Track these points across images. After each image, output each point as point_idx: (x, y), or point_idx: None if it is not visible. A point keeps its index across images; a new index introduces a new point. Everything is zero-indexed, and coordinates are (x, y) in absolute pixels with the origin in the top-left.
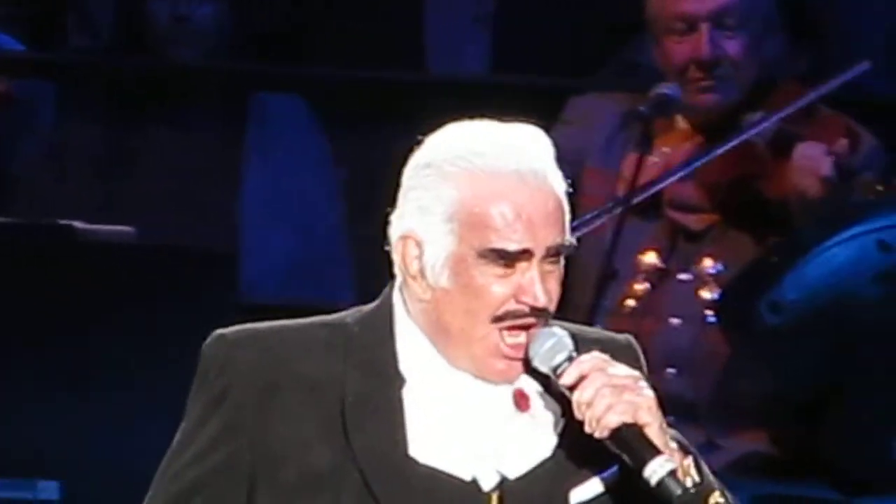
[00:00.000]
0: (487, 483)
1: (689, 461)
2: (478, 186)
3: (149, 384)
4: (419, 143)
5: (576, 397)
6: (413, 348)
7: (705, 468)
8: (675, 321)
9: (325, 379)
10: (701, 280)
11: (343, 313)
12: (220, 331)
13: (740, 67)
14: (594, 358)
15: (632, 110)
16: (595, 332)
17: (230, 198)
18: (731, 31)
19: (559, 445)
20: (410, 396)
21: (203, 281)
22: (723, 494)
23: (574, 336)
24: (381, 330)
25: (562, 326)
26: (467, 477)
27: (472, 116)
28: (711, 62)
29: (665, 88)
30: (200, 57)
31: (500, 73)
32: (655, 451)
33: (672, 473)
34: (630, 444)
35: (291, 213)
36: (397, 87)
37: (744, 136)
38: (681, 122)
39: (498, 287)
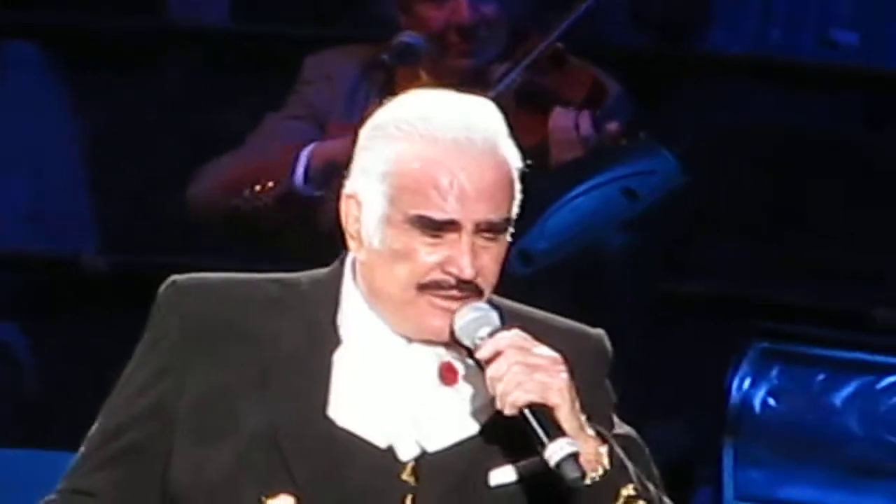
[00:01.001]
0: (405, 453)
1: (603, 449)
2: (415, 151)
3: None
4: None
5: (489, 372)
6: (354, 312)
7: (626, 461)
8: None
9: (263, 334)
10: None
11: (302, 273)
12: (174, 277)
13: (496, 27)
14: (513, 335)
15: (374, 59)
16: (565, 322)
17: None
18: None
19: (485, 425)
20: (342, 359)
21: None
22: (639, 488)
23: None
24: (328, 291)
25: (525, 312)
26: (384, 444)
27: (213, 65)
28: (472, 26)
29: (407, 37)
30: None
31: (241, 23)
32: (560, 434)
33: (573, 457)
34: (535, 423)
35: (31, 162)
36: (137, 35)
37: (493, 91)
38: (424, 75)
39: (425, 255)
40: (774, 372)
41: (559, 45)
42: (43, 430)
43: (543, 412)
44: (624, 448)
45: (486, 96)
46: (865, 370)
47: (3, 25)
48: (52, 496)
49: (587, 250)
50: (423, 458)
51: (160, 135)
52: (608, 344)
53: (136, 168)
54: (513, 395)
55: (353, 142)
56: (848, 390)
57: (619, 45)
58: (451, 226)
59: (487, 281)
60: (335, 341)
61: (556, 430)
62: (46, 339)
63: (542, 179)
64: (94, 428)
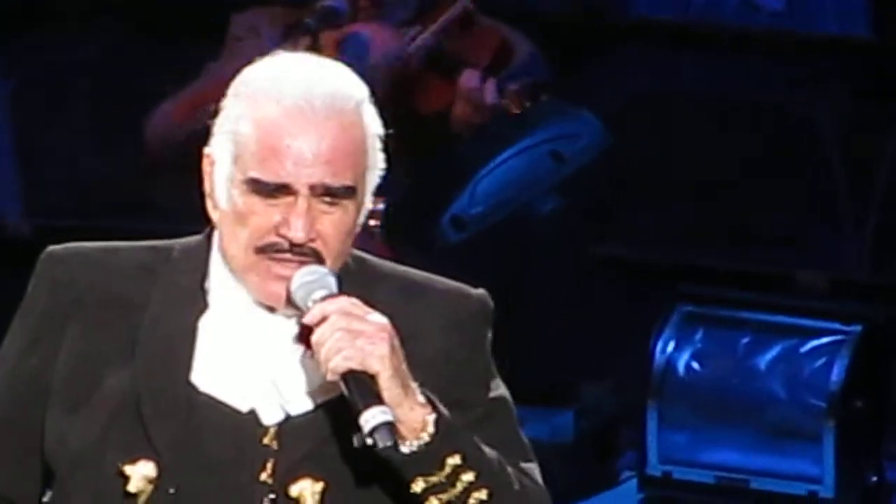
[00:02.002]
0: (267, 418)
1: (430, 417)
2: (256, 111)
3: None
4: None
5: (313, 337)
6: (219, 276)
7: (458, 430)
8: None
9: (131, 300)
10: None
11: (177, 240)
12: (51, 247)
13: None
14: (343, 301)
15: (298, 22)
16: (446, 283)
17: None
18: None
19: None
20: (207, 325)
21: None
22: (469, 458)
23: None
24: (198, 256)
25: (402, 272)
26: (246, 409)
27: (141, 28)
28: None
29: (331, 1)
30: None
31: None
32: (376, 402)
33: (386, 426)
34: (353, 390)
35: None
36: None
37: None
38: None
39: (259, 217)
40: (698, 335)
41: (469, 5)
42: None
43: (364, 379)
44: (486, 416)
45: (396, 58)
46: (789, 333)
47: None
48: None
49: (517, 214)
50: (285, 423)
51: (86, 99)
52: (490, 304)
53: (62, 132)
54: (333, 361)
55: None
56: (771, 354)
57: (543, 10)
58: (285, 189)
59: (329, 247)
60: (202, 307)
61: (372, 399)
62: None
63: (468, 145)
64: None
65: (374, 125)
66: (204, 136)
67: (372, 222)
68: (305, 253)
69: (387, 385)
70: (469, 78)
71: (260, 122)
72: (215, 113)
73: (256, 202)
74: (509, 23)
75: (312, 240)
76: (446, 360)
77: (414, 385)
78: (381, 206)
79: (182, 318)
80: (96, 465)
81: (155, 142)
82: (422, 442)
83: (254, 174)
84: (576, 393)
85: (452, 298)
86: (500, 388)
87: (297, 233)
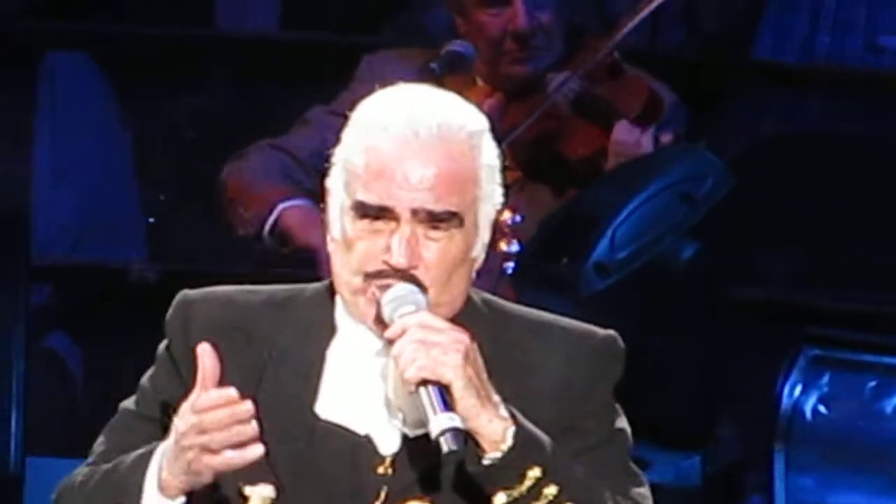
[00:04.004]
0: (384, 445)
1: (510, 430)
2: (366, 139)
3: None
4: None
5: (392, 350)
6: (345, 309)
7: (543, 446)
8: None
9: (259, 334)
10: (499, 232)
11: (313, 284)
12: (185, 291)
13: (553, 34)
14: (422, 314)
15: (424, 67)
16: (573, 323)
17: (20, 158)
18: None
19: None
20: (333, 355)
21: None
22: (550, 471)
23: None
24: (328, 294)
25: (527, 312)
26: (364, 435)
27: (261, 73)
28: (528, 34)
29: (457, 46)
30: None
31: (289, 31)
32: (446, 409)
33: (451, 432)
34: (426, 399)
35: (82, 171)
36: (186, 44)
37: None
38: (480, 82)
39: (365, 242)
40: (825, 378)
41: (615, 54)
42: (94, 439)
43: (438, 389)
44: (599, 444)
45: (542, 104)
46: None
47: (53, 35)
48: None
49: (657, 259)
50: (400, 450)
51: (209, 144)
52: (618, 345)
53: (185, 177)
54: (408, 371)
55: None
56: None
57: (671, 53)
58: (388, 213)
59: (432, 274)
60: (329, 339)
61: (442, 406)
62: (97, 350)
63: (599, 190)
64: (105, 430)
65: (488, 157)
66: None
67: (506, 265)
68: (406, 278)
69: (460, 395)
70: (622, 130)
71: (368, 149)
72: (243, 221)
73: (362, 227)
74: (635, 65)
75: (415, 266)
76: (564, 391)
77: (496, 398)
78: (515, 247)
79: (310, 350)
80: (218, 485)
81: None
82: (500, 454)
83: (359, 197)
84: (703, 437)
85: (576, 336)
86: (618, 422)
87: (399, 258)
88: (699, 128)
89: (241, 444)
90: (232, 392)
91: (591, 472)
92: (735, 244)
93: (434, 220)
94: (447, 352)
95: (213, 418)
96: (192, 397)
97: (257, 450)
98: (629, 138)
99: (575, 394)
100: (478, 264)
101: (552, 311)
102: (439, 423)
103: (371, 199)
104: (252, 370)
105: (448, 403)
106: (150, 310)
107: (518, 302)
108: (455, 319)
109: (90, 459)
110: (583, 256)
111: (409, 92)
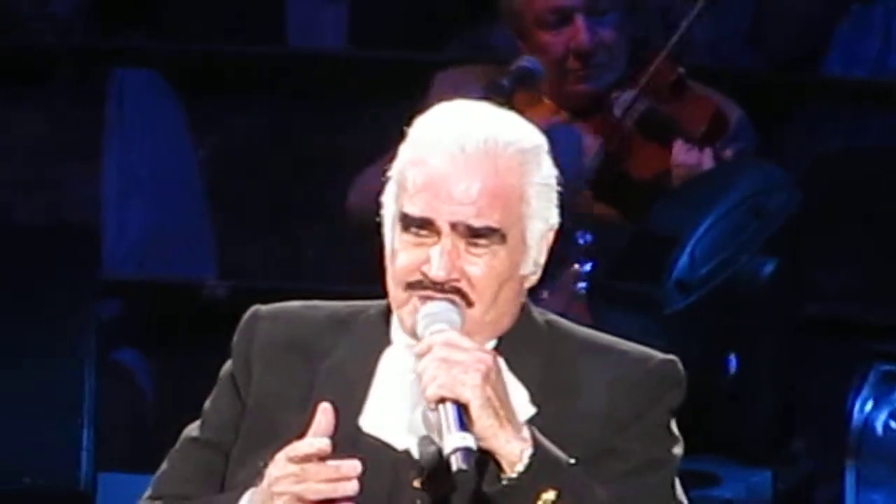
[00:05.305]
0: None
1: (527, 451)
2: (416, 152)
3: (12, 363)
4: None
5: (416, 367)
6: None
7: (562, 469)
8: (543, 293)
9: (317, 348)
10: (571, 251)
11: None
12: (256, 307)
13: (615, 51)
14: (446, 334)
15: (492, 83)
16: (631, 346)
17: (90, 175)
18: (603, 17)
19: None
20: (381, 369)
21: (64, 257)
22: (564, 495)
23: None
24: (388, 311)
25: (590, 334)
26: (402, 449)
27: (330, 90)
28: (590, 51)
29: (525, 62)
30: (58, 34)
31: (358, 48)
32: (462, 429)
33: (464, 451)
34: (444, 417)
35: (152, 188)
36: (257, 61)
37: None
38: (546, 99)
39: (408, 254)
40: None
41: (681, 71)
42: (162, 455)
43: (456, 407)
44: (642, 468)
45: (606, 122)
46: None
47: (123, 52)
48: None
49: (735, 276)
50: (436, 464)
51: (279, 161)
52: (677, 370)
53: (255, 194)
54: (428, 389)
55: None
56: None
57: (737, 69)
58: (429, 225)
59: (477, 290)
60: (383, 351)
61: (457, 425)
62: (166, 365)
63: (675, 209)
64: (167, 457)
65: (540, 175)
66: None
67: (578, 284)
68: (448, 291)
69: (477, 414)
70: (681, 152)
71: (417, 162)
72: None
73: (406, 239)
74: (700, 80)
75: (456, 280)
76: (609, 413)
77: (517, 419)
78: (587, 267)
79: (363, 364)
80: None
81: (352, 214)
82: (514, 475)
83: (405, 209)
84: (776, 452)
85: (630, 359)
86: (666, 448)
87: (438, 271)
88: (767, 144)
89: (335, 500)
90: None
91: (624, 497)
92: (805, 260)
93: (474, 234)
94: (467, 371)
95: (315, 469)
96: (291, 446)
97: None
98: (689, 160)
99: (620, 417)
100: (529, 283)
101: (631, 331)
102: (451, 441)
103: (414, 211)
104: (306, 384)
105: (465, 422)
106: (219, 325)
107: (593, 321)
108: (510, 337)
109: (150, 491)
110: (663, 275)
111: (461, 108)
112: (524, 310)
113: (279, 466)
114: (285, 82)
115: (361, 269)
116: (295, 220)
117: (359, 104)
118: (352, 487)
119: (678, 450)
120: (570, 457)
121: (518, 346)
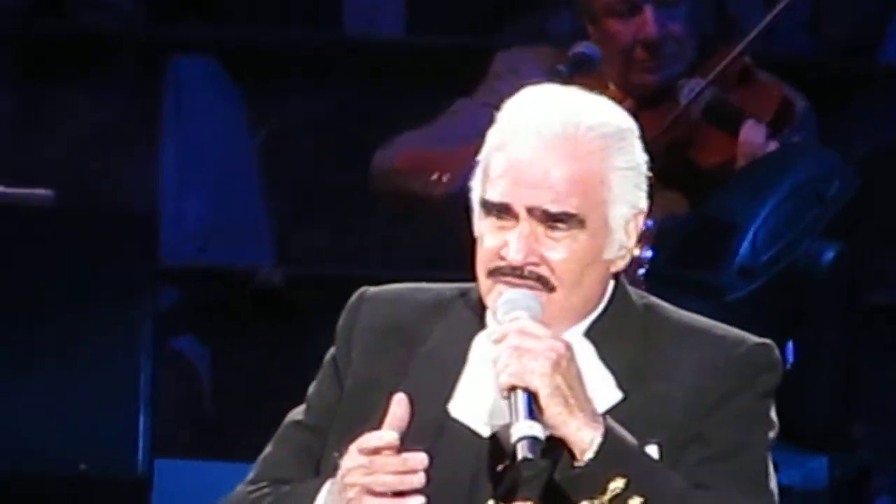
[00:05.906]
0: (506, 441)
1: (597, 439)
2: (499, 138)
3: (70, 349)
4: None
5: (491, 355)
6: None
7: (633, 457)
8: None
9: (415, 332)
10: None
11: None
12: (364, 288)
13: (683, 43)
14: (521, 321)
15: (551, 69)
16: (725, 329)
17: (148, 162)
18: (672, 8)
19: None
20: (475, 353)
21: (123, 244)
22: (635, 484)
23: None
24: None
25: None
26: (487, 434)
27: (386, 76)
28: (658, 42)
29: (583, 47)
30: (117, 22)
31: (415, 34)
32: (530, 417)
33: (530, 439)
34: (513, 405)
35: (209, 175)
36: (314, 48)
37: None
38: (613, 87)
39: (490, 239)
40: None
41: (747, 59)
42: (221, 441)
43: (526, 395)
44: (727, 454)
45: (673, 111)
46: None
47: (180, 40)
48: (250, 488)
49: (797, 262)
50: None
51: (336, 148)
52: (771, 354)
53: (312, 181)
54: (500, 377)
55: None
56: None
57: (798, 57)
58: (507, 210)
59: (557, 274)
60: (476, 335)
61: (525, 413)
62: (223, 352)
63: (735, 195)
64: (272, 441)
65: (624, 159)
66: (419, 200)
67: (639, 271)
68: (528, 276)
69: (545, 403)
70: (751, 132)
71: (499, 147)
72: (434, 185)
73: (488, 224)
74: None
75: (535, 264)
76: (696, 398)
77: (590, 407)
78: (648, 253)
79: (457, 349)
80: None
81: (377, 178)
82: (582, 463)
83: (486, 195)
84: (836, 438)
85: (724, 343)
86: (756, 433)
87: (514, 254)
88: (825, 131)
89: (404, 493)
90: (394, 438)
91: (705, 483)
92: (868, 247)
93: (551, 219)
94: (537, 359)
95: (383, 461)
96: (363, 437)
97: (418, 501)
98: (757, 139)
99: (707, 401)
100: (616, 267)
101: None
102: (519, 430)
103: (493, 196)
104: (400, 367)
105: (533, 411)
106: (276, 312)
107: None
108: (602, 321)
109: (251, 474)
110: (726, 261)
111: (547, 92)
112: (619, 294)
113: (351, 457)
114: (342, 69)
115: (418, 255)
116: (352, 206)
117: (415, 90)
118: (418, 480)
119: (770, 434)
120: (656, 442)
121: (610, 330)
